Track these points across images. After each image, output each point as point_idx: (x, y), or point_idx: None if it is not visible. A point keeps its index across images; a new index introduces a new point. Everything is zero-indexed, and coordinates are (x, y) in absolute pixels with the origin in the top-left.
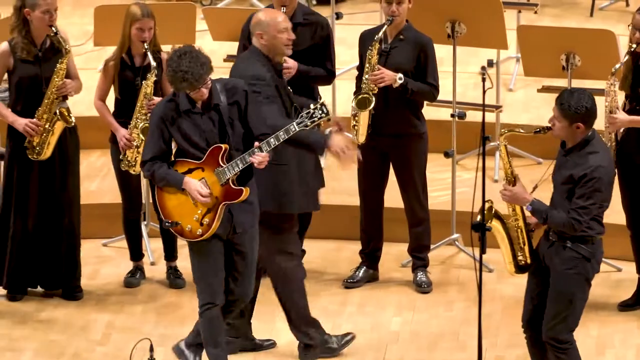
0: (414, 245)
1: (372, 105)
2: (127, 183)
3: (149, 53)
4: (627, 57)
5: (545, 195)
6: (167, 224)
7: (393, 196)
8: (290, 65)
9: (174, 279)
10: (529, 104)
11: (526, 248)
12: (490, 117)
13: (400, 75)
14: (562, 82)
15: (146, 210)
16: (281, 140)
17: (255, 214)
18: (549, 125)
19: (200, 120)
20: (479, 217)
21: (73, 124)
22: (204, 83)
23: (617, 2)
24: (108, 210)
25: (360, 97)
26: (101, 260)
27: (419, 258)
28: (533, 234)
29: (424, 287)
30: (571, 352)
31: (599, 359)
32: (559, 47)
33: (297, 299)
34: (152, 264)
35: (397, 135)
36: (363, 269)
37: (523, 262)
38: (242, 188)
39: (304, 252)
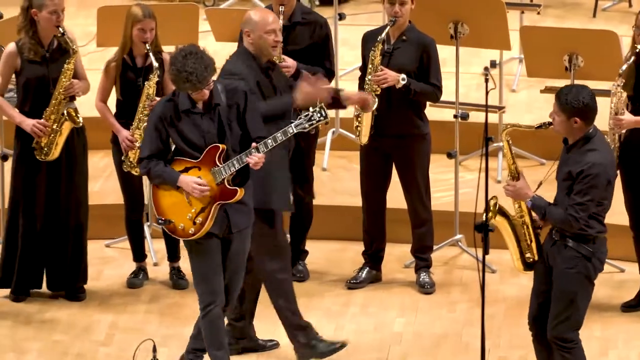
0: (416, 246)
1: (375, 106)
2: (129, 184)
3: (150, 54)
4: (633, 59)
5: (550, 195)
6: (160, 221)
7: (396, 197)
8: (289, 64)
9: (176, 280)
10: (532, 105)
11: (533, 245)
12: (493, 118)
13: (403, 76)
14: (565, 83)
15: (149, 211)
16: (278, 141)
17: (250, 215)
18: (550, 120)
19: (200, 120)
20: (488, 216)
21: (81, 125)
22: (206, 85)
23: (620, 2)
24: (111, 211)
25: None
26: (104, 261)
27: (421, 259)
28: (541, 232)
29: (426, 288)
30: (576, 351)
31: None
32: (562, 48)
33: (283, 303)
34: (155, 264)
35: (399, 136)
36: (366, 270)
37: (531, 259)
38: (237, 188)
39: (306, 252)
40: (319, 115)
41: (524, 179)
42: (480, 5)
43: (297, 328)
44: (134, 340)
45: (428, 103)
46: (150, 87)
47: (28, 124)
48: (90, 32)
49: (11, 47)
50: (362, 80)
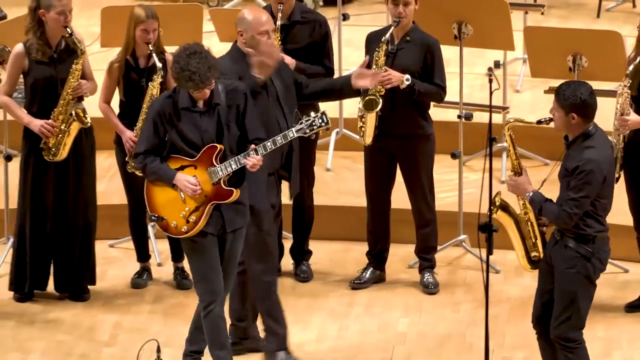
0: (420, 247)
1: (379, 106)
2: (132, 184)
3: (153, 54)
4: (639, 59)
5: (554, 195)
6: (153, 217)
7: (400, 197)
8: (288, 62)
9: (180, 280)
10: (536, 105)
11: (539, 243)
12: (497, 118)
13: (408, 76)
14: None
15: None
16: (278, 145)
17: (246, 214)
18: (551, 116)
19: (199, 119)
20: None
21: (89, 125)
22: (209, 85)
23: (624, 3)
24: (115, 211)
25: (367, 98)
26: (108, 261)
27: (425, 259)
28: (546, 230)
29: (430, 288)
30: (579, 351)
31: None
32: (566, 48)
33: (260, 301)
34: (159, 264)
35: (404, 137)
36: (370, 270)
37: (537, 257)
38: (233, 189)
39: (310, 253)
40: (320, 121)
41: (526, 174)
42: (484, 6)
43: (273, 334)
44: (138, 341)
45: (432, 103)
46: (153, 87)
47: (36, 124)
48: (94, 33)
49: (19, 47)
50: None
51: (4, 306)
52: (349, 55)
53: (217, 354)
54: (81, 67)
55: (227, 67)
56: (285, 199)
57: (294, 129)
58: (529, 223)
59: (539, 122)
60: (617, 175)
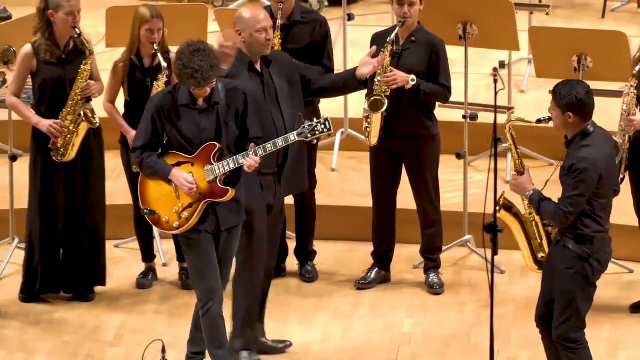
0: (426, 247)
1: (385, 107)
2: (138, 184)
3: (158, 54)
4: None
5: (556, 196)
6: (145, 211)
7: (405, 198)
8: None
9: (186, 280)
10: (541, 106)
11: (545, 243)
12: (502, 118)
13: (413, 76)
14: None
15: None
16: (278, 147)
17: (241, 213)
18: (550, 115)
19: (198, 116)
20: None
21: (97, 125)
22: (210, 83)
23: (629, 3)
24: (120, 211)
25: (372, 99)
26: (113, 261)
27: (431, 259)
28: (552, 230)
29: (436, 289)
30: (581, 352)
31: None
32: (571, 49)
33: (241, 298)
34: (164, 265)
35: (409, 137)
36: (375, 271)
37: (543, 257)
38: (228, 188)
39: (314, 253)
40: (322, 127)
41: (528, 174)
42: (489, 6)
43: (245, 324)
44: (143, 341)
45: (437, 104)
46: (159, 87)
47: (45, 124)
48: (99, 33)
49: (27, 48)
50: (371, 81)
51: (9, 306)
52: (354, 55)
53: (215, 352)
54: (90, 68)
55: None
56: (288, 199)
57: (295, 133)
58: (534, 223)
59: (539, 121)
60: (622, 176)
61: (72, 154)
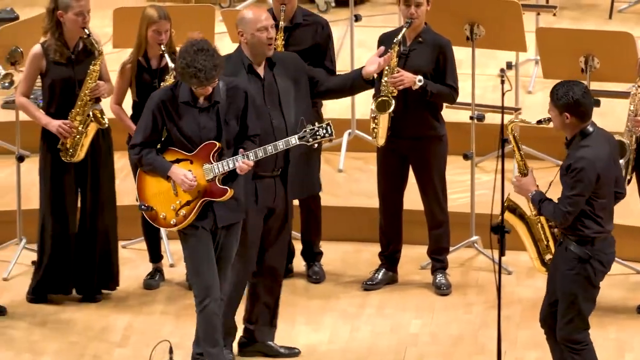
0: (433, 248)
1: (392, 107)
2: None
3: (166, 55)
4: None
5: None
6: (142, 207)
7: (412, 198)
8: None
9: None
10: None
11: (551, 244)
12: (509, 119)
13: (420, 77)
14: None
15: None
16: (279, 149)
17: (240, 211)
18: (550, 116)
19: (198, 115)
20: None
21: (106, 126)
22: (213, 82)
23: (636, 4)
24: (127, 212)
25: (379, 99)
26: (120, 262)
27: (438, 260)
28: (558, 231)
29: (443, 290)
30: (585, 353)
31: None
32: (578, 50)
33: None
34: (172, 265)
35: (416, 138)
36: (382, 271)
37: (551, 259)
38: (227, 188)
39: (321, 253)
40: (324, 131)
41: (531, 175)
42: (496, 7)
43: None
44: (151, 342)
45: (444, 104)
46: None
47: (54, 125)
48: (106, 34)
49: (37, 48)
50: (378, 82)
51: (17, 307)
52: (361, 56)
53: (209, 351)
54: (99, 68)
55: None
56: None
57: (296, 136)
58: (540, 225)
59: (539, 122)
60: (629, 177)
61: (81, 154)
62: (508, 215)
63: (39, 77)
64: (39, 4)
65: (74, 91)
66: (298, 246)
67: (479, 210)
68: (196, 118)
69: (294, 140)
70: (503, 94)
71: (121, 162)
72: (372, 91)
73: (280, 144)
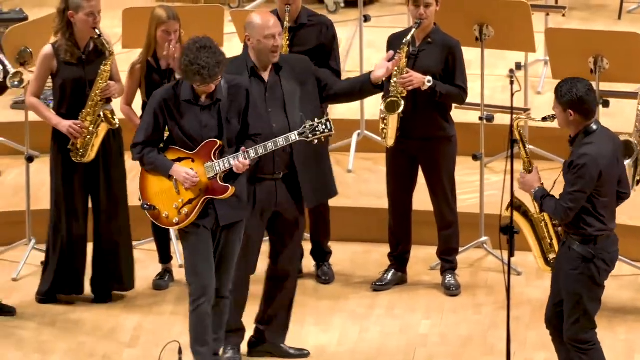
0: (442, 248)
1: (401, 108)
2: None
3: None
4: None
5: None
6: (145, 206)
7: (422, 199)
8: None
9: None
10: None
11: (555, 243)
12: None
13: (429, 78)
14: None
15: None
16: (279, 146)
17: (242, 210)
18: (554, 113)
19: (200, 113)
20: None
21: (117, 126)
22: (215, 80)
23: None
24: (137, 212)
25: (389, 100)
26: None
27: (447, 261)
28: (562, 230)
29: (452, 290)
30: (593, 353)
31: None
32: (587, 50)
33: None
34: (181, 266)
35: (425, 138)
36: (392, 272)
37: (554, 258)
38: (228, 186)
39: (330, 253)
40: (324, 127)
41: (536, 172)
42: (505, 8)
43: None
44: (160, 342)
45: (453, 105)
46: None
47: (64, 125)
48: (115, 34)
49: (47, 49)
50: (387, 82)
51: (26, 307)
52: (370, 57)
53: (198, 349)
54: (110, 69)
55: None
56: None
57: (296, 132)
58: (544, 223)
59: (544, 119)
60: (638, 178)
61: (91, 154)
62: (514, 213)
63: (49, 77)
64: (48, 4)
65: (84, 91)
66: (307, 246)
67: (488, 211)
68: (198, 116)
69: (293, 136)
70: (512, 95)
71: (131, 162)
72: (381, 93)
73: (280, 140)
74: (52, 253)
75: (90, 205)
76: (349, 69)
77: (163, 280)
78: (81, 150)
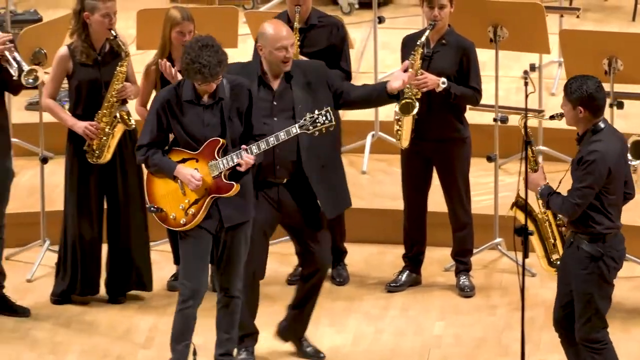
0: (457, 250)
1: (416, 110)
2: None
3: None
4: None
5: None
6: (151, 209)
7: (436, 200)
8: None
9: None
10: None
11: (558, 243)
12: (532, 121)
13: (444, 79)
14: (604, 87)
15: None
16: (280, 140)
17: (247, 210)
18: (562, 111)
19: (202, 112)
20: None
21: (133, 127)
22: (216, 79)
23: None
24: (151, 214)
25: (403, 102)
26: None
27: (461, 262)
28: (566, 231)
29: (466, 292)
30: (605, 352)
31: None
32: (601, 52)
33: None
34: None
35: (440, 140)
36: (406, 273)
37: (557, 259)
38: (233, 183)
39: (345, 252)
40: (324, 118)
41: (542, 171)
42: (519, 9)
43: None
44: None
45: (468, 106)
46: None
47: (80, 126)
48: (130, 35)
49: (63, 50)
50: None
51: (40, 308)
52: (384, 58)
53: (176, 347)
54: (125, 70)
55: (235, 69)
56: None
57: (297, 125)
58: (547, 223)
59: (552, 117)
60: None
61: (107, 156)
62: (517, 213)
63: (64, 79)
64: (63, 5)
65: (100, 93)
66: None
67: (502, 212)
68: (200, 115)
69: (294, 129)
70: (526, 96)
71: None
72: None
73: (282, 134)
74: (67, 254)
75: (105, 206)
76: (363, 70)
77: (177, 282)
78: (97, 152)
